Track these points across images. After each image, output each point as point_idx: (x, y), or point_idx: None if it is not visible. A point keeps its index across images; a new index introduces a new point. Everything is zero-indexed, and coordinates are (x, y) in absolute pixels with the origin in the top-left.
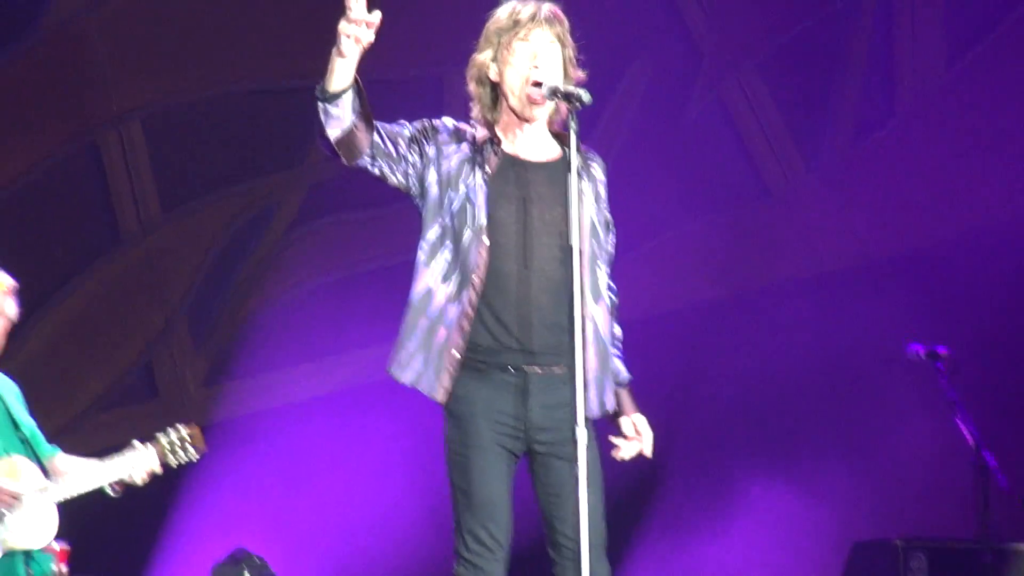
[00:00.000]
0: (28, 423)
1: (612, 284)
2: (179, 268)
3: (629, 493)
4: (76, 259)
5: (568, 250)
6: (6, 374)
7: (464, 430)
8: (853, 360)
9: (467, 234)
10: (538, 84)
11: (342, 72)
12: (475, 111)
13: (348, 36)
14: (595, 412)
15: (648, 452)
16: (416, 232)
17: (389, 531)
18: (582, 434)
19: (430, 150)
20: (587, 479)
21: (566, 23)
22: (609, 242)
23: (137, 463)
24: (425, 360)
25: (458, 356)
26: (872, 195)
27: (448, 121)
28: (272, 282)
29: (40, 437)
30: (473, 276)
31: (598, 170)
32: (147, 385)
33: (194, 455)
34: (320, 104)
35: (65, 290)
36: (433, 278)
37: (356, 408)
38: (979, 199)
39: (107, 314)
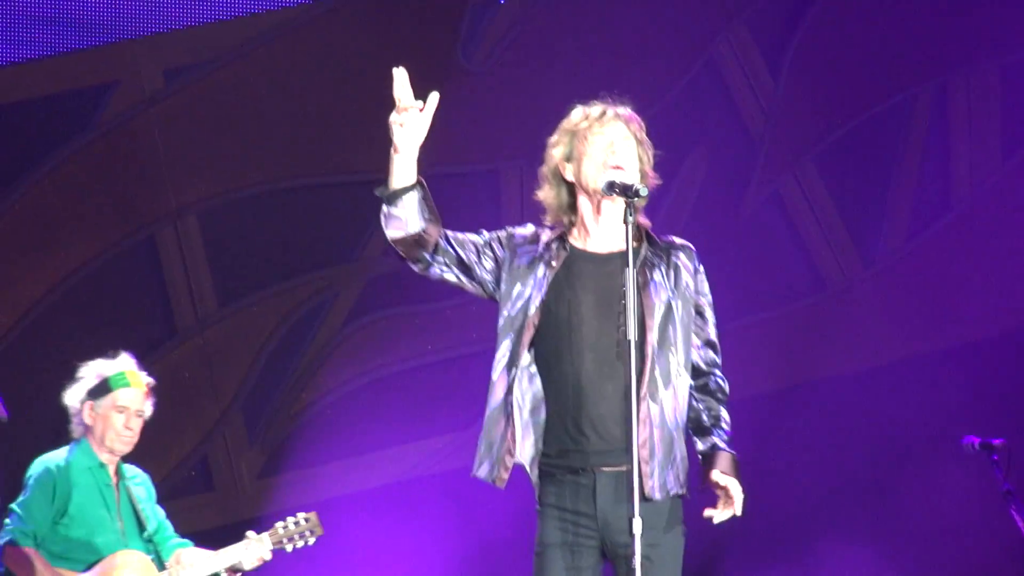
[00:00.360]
0: (154, 516)
1: (715, 367)
2: (235, 361)
3: None
4: (133, 352)
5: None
6: (137, 466)
7: (540, 528)
8: (909, 451)
9: (524, 324)
10: (618, 168)
11: (400, 169)
12: (550, 217)
13: (400, 125)
14: (657, 497)
15: (738, 511)
16: (472, 325)
17: None
18: (638, 524)
19: (505, 253)
20: (662, 565)
21: (642, 124)
22: (706, 327)
23: (249, 552)
24: (488, 454)
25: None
26: (927, 289)
27: (529, 226)
28: (327, 376)
29: (167, 530)
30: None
31: (684, 257)
32: (203, 478)
33: (311, 540)
34: (383, 205)
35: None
36: (496, 372)
37: (406, 502)
38: None
39: (164, 407)
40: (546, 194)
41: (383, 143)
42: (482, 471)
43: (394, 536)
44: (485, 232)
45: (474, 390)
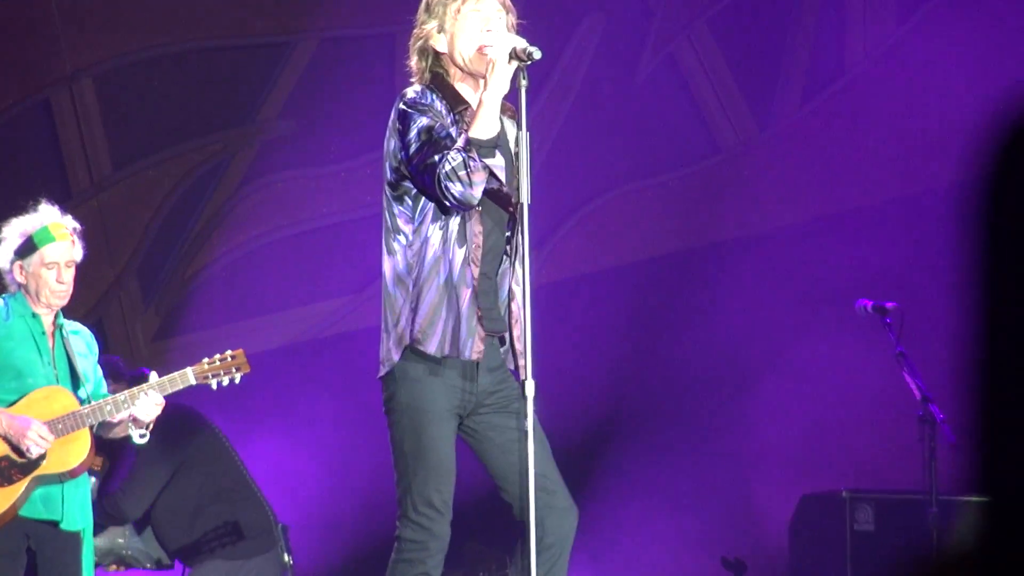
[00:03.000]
0: (93, 372)
1: None
2: (130, 225)
3: (578, 447)
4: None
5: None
6: (81, 323)
7: (420, 397)
8: (801, 315)
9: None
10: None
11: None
12: (417, 83)
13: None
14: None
15: None
16: (365, 190)
17: (336, 480)
18: (530, 385)
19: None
20: (535, 430)
21: None
22: None
23: (148, 398)
24: (458, 329)
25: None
26: (821, 153)
27: (426, 93)
28: (222, 239)
29: (102, 389)
30: (475, 246)
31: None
32: (99, 340)
33: (237, 377)
34: (472, 157)
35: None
36: (451, 251)
37: (302, 363)
38: (926, 158)
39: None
40: (416, 63)
41: (278, 7)
42: (467, 350)
43: (290, 396)
44: (433, 118)
45: (367, 253)
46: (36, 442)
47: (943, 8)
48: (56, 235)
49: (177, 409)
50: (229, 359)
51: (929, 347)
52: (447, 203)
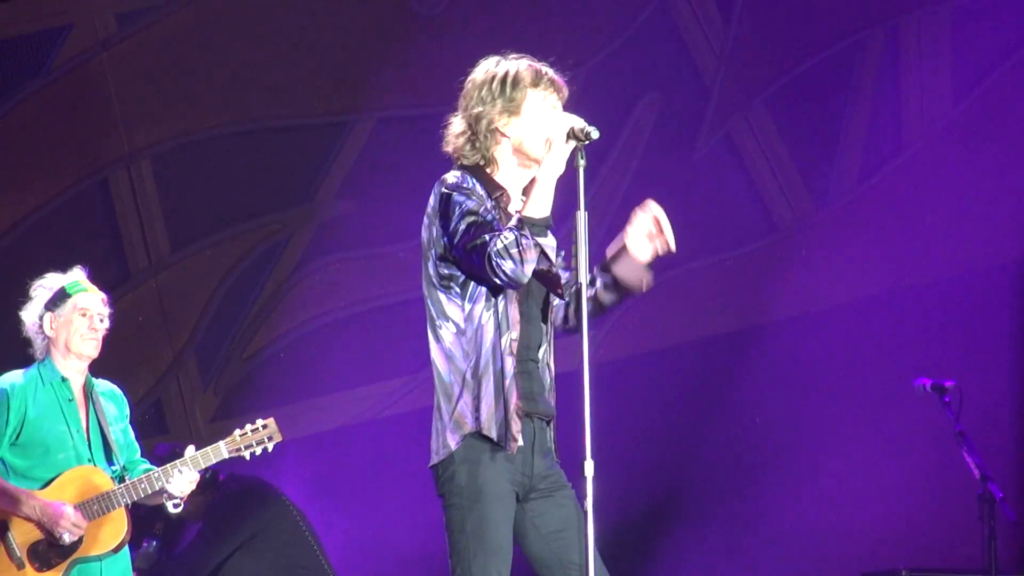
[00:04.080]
0: (124, 434)
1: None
2: (188, 305)
3: (634, 526)
4: None
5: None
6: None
7: (482, 479)
8: (858, 394)
9: (503, 294)
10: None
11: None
12: (467, 161)
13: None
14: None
15: (671, 239)
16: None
17: (398, 557)
18: (590, 466)
19: None
20: (580, 516)
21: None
22: None
23: (179, 472)
24: (500, 413)
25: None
26: (878, 231)
27: (466, 178)
28: (280, 320)
29: (135, 452)
30: (514, 334)
31: None
32: (157, 421)
33: (270, 446)
34: (527, 236)
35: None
36: (492, 334)
37: (362, 444)
38: (984, 237)
39: (117, 350)
40: (462, 145)
41: (335, 89)
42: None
43: (352, 477)
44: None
45: (425, 334)
46: (70, 530)
47: (999, 88)
48: (88, 287)
49: (252, 482)
50: (260, 429)
51: (987, 426)
52: (497, 281)
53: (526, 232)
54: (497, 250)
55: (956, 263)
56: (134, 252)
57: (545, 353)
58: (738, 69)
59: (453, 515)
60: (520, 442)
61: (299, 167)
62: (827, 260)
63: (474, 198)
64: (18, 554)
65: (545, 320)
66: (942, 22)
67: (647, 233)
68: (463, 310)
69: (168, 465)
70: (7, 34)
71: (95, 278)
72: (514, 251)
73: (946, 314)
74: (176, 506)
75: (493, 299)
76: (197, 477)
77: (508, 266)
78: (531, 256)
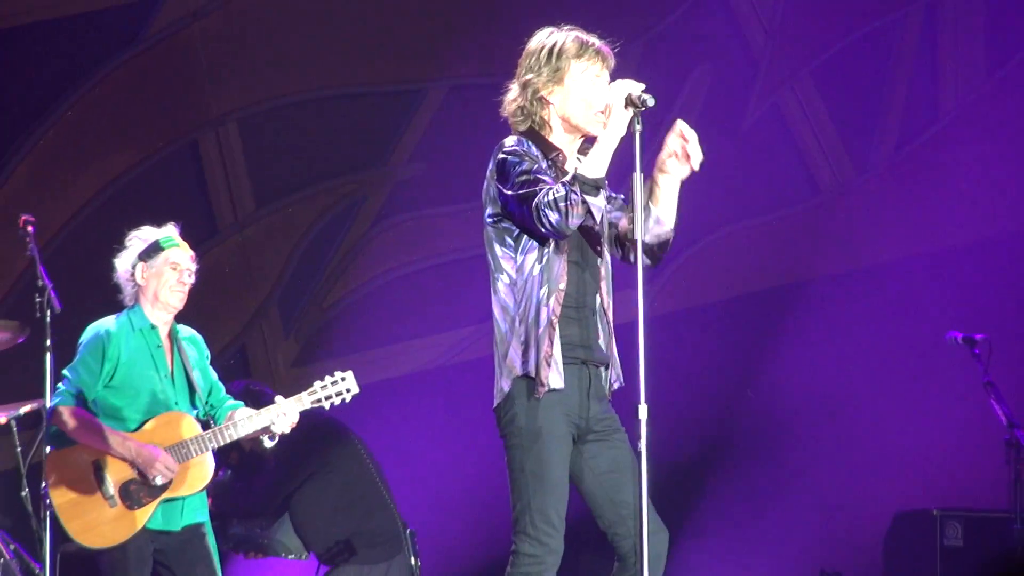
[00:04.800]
0: (206, 377)
1: None
2: (271, 259)
3: (685, 467)
4: None
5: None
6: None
7: (540, 421)
8: (893, 346)
9: (553, 246)
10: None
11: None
12: (521, 127)
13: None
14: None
15: (698, 153)
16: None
17: (463, 493)
18: (643, 409)
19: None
20: (631, 459)
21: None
22: None
23: (282, 412)
24: (561, 352)
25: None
26: (916, 195)
27: (523, 141)
28: (357, 272)
29: (220, 391)
30: (560, 285)
31: None
32: (241, 366)
33: (348, 397)
34: (575, 192)
35: None
36: (543, 289)
37: (436, 385)
38: (1013, 201)
39: (205, 300)
40: (518, 110)
41: (411, 59)
42: (555, 380)
43: (421, 419)
44: (536, 164)
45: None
46: (163, 473)
47: None
48: (179, 243)
49: (323, 419)
50: (339, 381)
51: (1015, 377)
52: (543, 231)
53: (575, 188)
54: (547, 201)
55: (987, 226)
56: (221, 209)
57: (601, 302)
58: (785, 43)
59: (513, 455)
60: (550, 387)
61: (375, 131)
62: (866, 222)
63: (527, 160)
64: (111, 492)
65: (600, 271)
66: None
67: (679, 152)
68: (515, 262)
69: (254, 413)
70: (105, 5)
71: (185, 233)
72: (562, 204)
73: (978, 273)
74: (272, 439)
75: (544, 252)
76: (297, 418)
77: (553, 217)
78: (577, 211)
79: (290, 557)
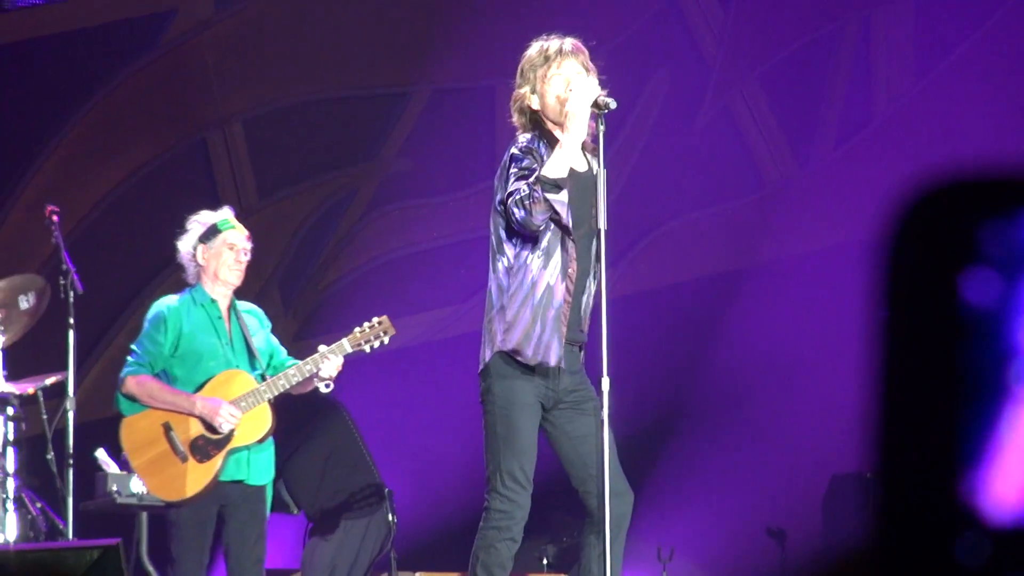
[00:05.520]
0: (266, 343)
1: None
2: (272, 245)
3: (642, 435)
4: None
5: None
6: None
7: (511, 392)
8: (827, 323)
9: (567, 239)
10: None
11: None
12: (528, 130)
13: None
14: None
15: None
16: (468, 218)
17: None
18: (606, 381)
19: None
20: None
21: (587, 52)
22: None
23: (326, 357)
24: (553, 343)
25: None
26: (851, 189)
27: (535, 140)
28: (350, 257)
29: (280, 354)
30: (569, 269)
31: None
32: None
33: (386, 339)
34: (538, 191)
35: (174, 264)
36: (552, 277)
37: (417, 362)
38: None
39: None
40: (517, 119)
41: (397, 64)
42: (553, 358)
43: (405, 389)
44: (529, 162)
45: (471, 270)
46: (227, 419)
47: (955, 67)
48: (235, 225)
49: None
50: (376, 325)
51: None
52: (514, 225)
53: (537, 188)
54: (515, 199)
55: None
56: (227, 200)
57: (588, 286)
58: (734, 51)
59: (488, 420)
60: (524, 361)
61: (366, 130)
62: (807, 211)
63: (528, 158)
64: (181, 449)
65: (590, 257)
66: (906, 11)
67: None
68: (514, 247)
69: (301, 363)
70: (123, 15)
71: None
72: (526, 202)
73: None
74: (327, 387)
75: (540, 241)
76: (342, 361)
77: (519, 214)
78: (539, 208)
79: (285, 512)
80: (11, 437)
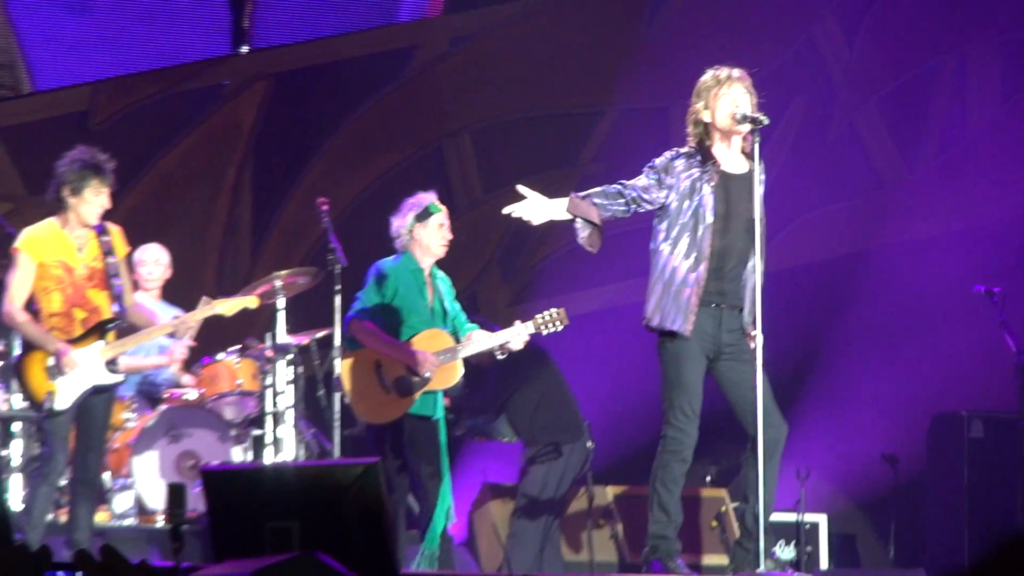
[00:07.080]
0: (452, 307)
1: None
2: (494, 230)
3: (787, 378)
4: None
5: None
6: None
7: (677, 346)
8: (939, 297)
9: (701, 228)
10: (742, 117)
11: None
12: (693, 143)
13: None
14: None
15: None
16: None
17: (622, 396)
18: (760, 337)
19: (670, 180)
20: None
21: (751, 79)
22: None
23: (516, 335)
24: (676, 311)
25: (696, 306)
26: (953, 189)
27: (680, 151)
28: (553, 239)
29: (462, 316)
30: (708, 254)
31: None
32: (471, 306)
33: (560, 327)
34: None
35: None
36: (677, 259)
37: (606, 323)
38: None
39: (446, 259)
40: (692, 130)
41: (591, 88)
42: (677, 323)
43: (597, 347)
44: (652, 173)
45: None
46: (430, 368)
47: None
48: (442, 208)
49: (529, 345)
50: (554, 314)
51: (1022, 320)
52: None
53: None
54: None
55: (1009, 213)
56: (458, 195)
57: (738, 265)
58: (858, 81)
59: (662, 367)
60: (681, 330)
61: (567, 141)
62: (916, 207)
63: (651, 170)
64: (387, 383)
65: (748, 240)
66: (992, 52)
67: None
68: (662, 237)
69: (495, 333)
70: (379, 48)
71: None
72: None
73: (997, 245)
74: (503, 354)
75: (684, 232)
76: (527, 338)
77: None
78: (577, 226)
79: (504, 440)
80: (291, 377)
